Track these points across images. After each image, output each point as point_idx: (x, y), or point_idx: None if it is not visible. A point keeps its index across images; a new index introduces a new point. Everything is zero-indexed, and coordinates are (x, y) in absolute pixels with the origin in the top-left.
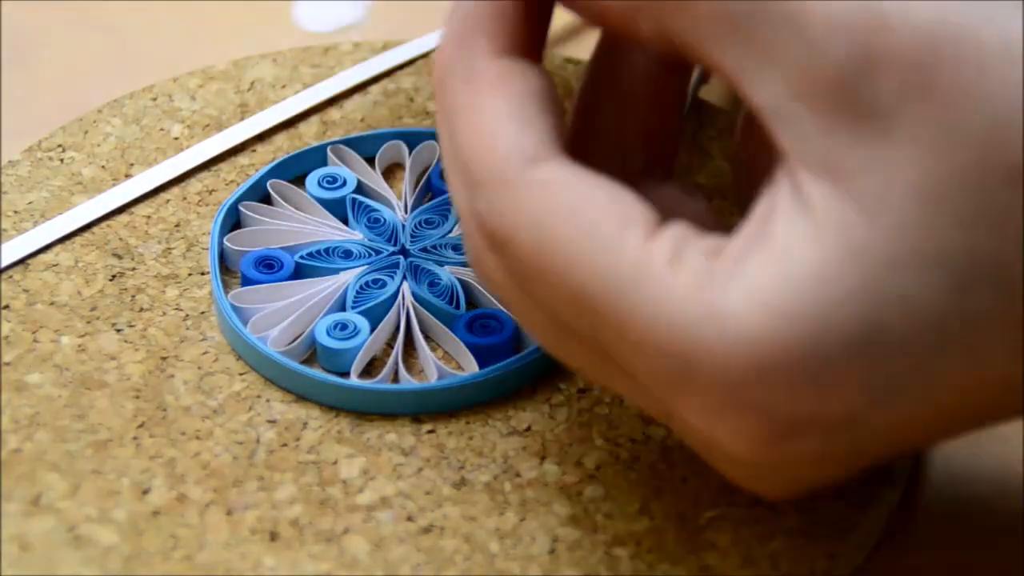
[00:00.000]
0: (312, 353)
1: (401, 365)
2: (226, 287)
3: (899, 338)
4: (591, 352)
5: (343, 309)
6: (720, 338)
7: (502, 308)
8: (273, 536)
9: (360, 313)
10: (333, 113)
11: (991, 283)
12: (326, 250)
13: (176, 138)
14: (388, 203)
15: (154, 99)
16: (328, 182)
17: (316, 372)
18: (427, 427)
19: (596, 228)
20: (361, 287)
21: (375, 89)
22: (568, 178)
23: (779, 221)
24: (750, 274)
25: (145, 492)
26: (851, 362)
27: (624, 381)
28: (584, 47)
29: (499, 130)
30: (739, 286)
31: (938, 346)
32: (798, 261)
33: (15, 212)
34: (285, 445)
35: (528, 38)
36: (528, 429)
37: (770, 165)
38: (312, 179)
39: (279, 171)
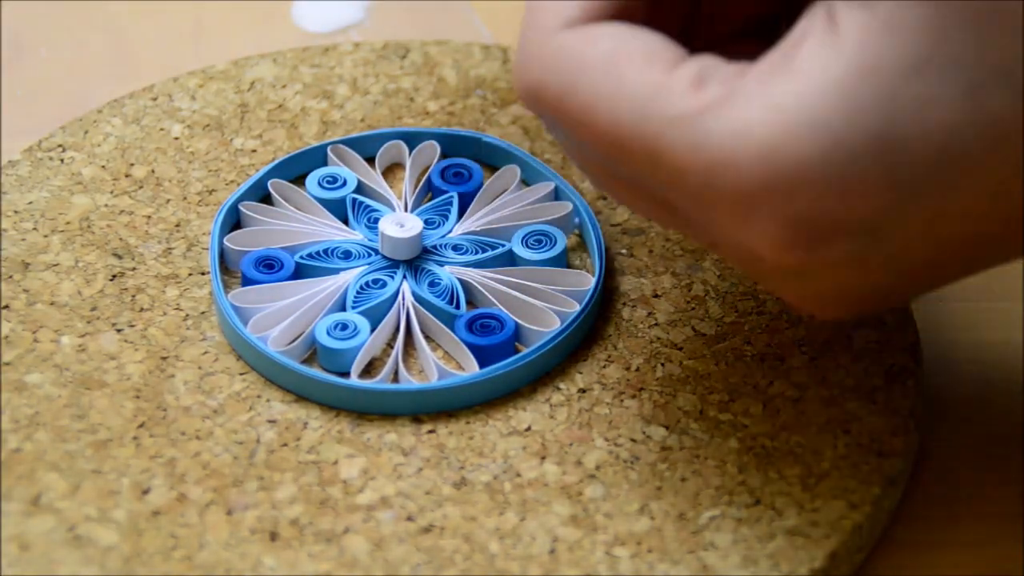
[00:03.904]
0: (312, 353)
1: (401, 365)
2: (226, 287)
3: (917, 143)
4: (636, 193)
5: (343, 309)
6: (740, 148)
7: (501, 308)
8: (273, 536)
9: (360, 313)
10: (333, 113)
11: (1003, 81)
12: (326, 250)
13: (176, 138)
14: (388, 203)
15: (154, 99)
16: (328, 182)
17: (316, 372)
18: (427, 427)
19: (620, 71)
20: (361, 287)
21: (375, 89)
22: (599, 34)
23: (806, 46)
24: (771, 92)
25: (145, 492)
26: (872, 167)
27: (669, 216)
28: None
29: None
30: (760, 103)
31: (953, 151)
32: (819, 79)
33: (15, 212)
34: (285, 445)
35: None
36: (528, 429)
37: None
38: (312, 179)
39: (280, 171)
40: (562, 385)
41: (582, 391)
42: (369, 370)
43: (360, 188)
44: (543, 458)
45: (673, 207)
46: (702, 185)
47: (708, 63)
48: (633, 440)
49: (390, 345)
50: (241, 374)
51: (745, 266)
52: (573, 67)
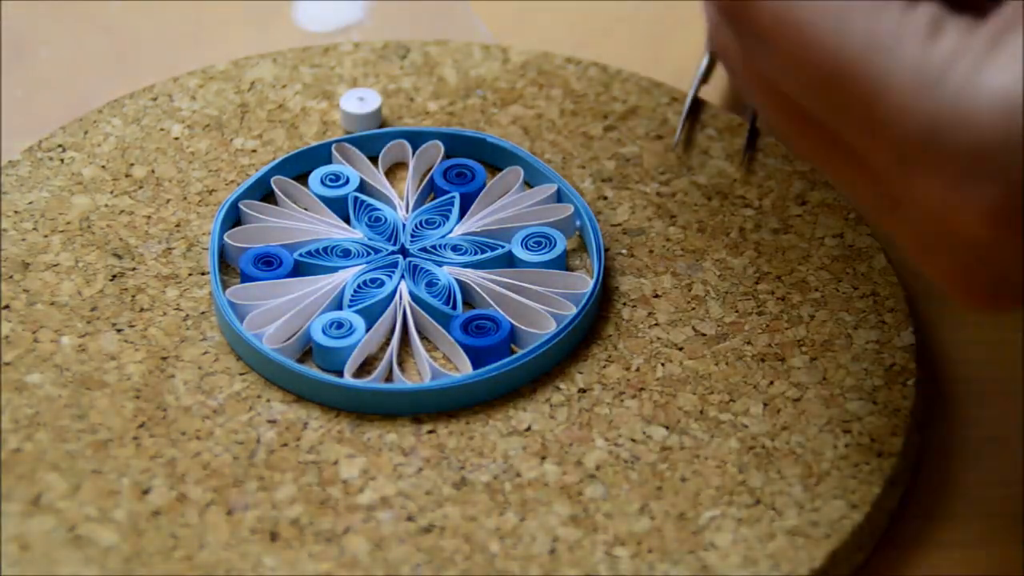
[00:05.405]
0: (309, 351)
1: (395, 365)
2: (227, 287)
3: None
4: (821, 137)
5: (341, 307)
6: (975, 104)
7: (498, 310)
8: (273, 536)
9: (356, 312)
10: (333, 113)
11: None
12: (325, 248)
13: (176, 138)
14: (390, 202)
15: (154, 99)
16: (331, 180)
17: (313, 371)
18: (427, 427)
19: None
20: (359, 286)
21: (375, 89)
22: None
23: None
24: (1007, 52)
25: (145, 492)
26: None
27: (851, 168)
28: (584, 49)
29: None
30: (997, 62)
31: None
32: None
33: (15, 212)
34: (285, 445)
35: None
36: (528, 429)
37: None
38: (315, 177)
39: (283, 168)
40: (562, 385)
41: (582, 391)
42: (367, 369)
43: (362, 186)
44: (543, 458)
45: (859, 156)
46: (924, 134)
47: (935, 9)
48: (633, 440)
49: (387, 344)
50: (241, 374)
51: (921, 234)
52: None
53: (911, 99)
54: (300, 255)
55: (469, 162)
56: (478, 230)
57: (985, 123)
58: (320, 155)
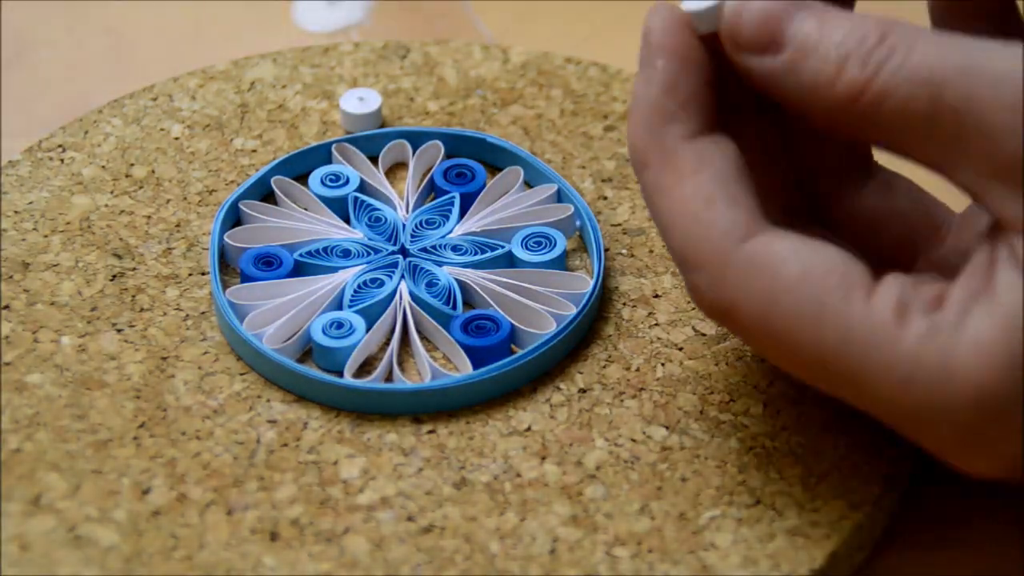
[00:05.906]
0: (309, 351)
1: (395, 365)
2: (227, 287)
3: None
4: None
5: (341, 308)
6: (949, 391)
7: (498, 310)
8: (273, 536)
9: (357, 312)
10: (333, 113)
11: None
12: (325, 249)
13: (176, 138)
14: (390, 202)
15: (154, 99)
16: (331, 180)
17: (313, 371)
18: (427, 427)
19: (820, 297)
20: (359, 286)
21: (375, 89)
22: (783, 250)
23: (998, 274)
24: (973, 327)
25: (145, 492)
26: None
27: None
28: (584, 49)
29: (707, 213)
30: (965, 339)
31: None
32: (1015, 314)
33: (15, 212)
34: (285, 445)
35: (712, 110)
36: (528, 429)
37: None
38: (315, 177)
39: (283, 168)
40: (562, 385)
41: (582, 391)
42: (368, 370)
43: (362, 187)
44: (543, 458)
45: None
46: (910, 418)
47: (903, 289)
48: (633, 440)
49: (387, 344)
50: (241, 374)
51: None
52: (767, 287)
53: (889, 391)
54: (300, 255)
55: (469, 162)
56: (478, 230)
57: (965, 409)
58: (320, 155)
